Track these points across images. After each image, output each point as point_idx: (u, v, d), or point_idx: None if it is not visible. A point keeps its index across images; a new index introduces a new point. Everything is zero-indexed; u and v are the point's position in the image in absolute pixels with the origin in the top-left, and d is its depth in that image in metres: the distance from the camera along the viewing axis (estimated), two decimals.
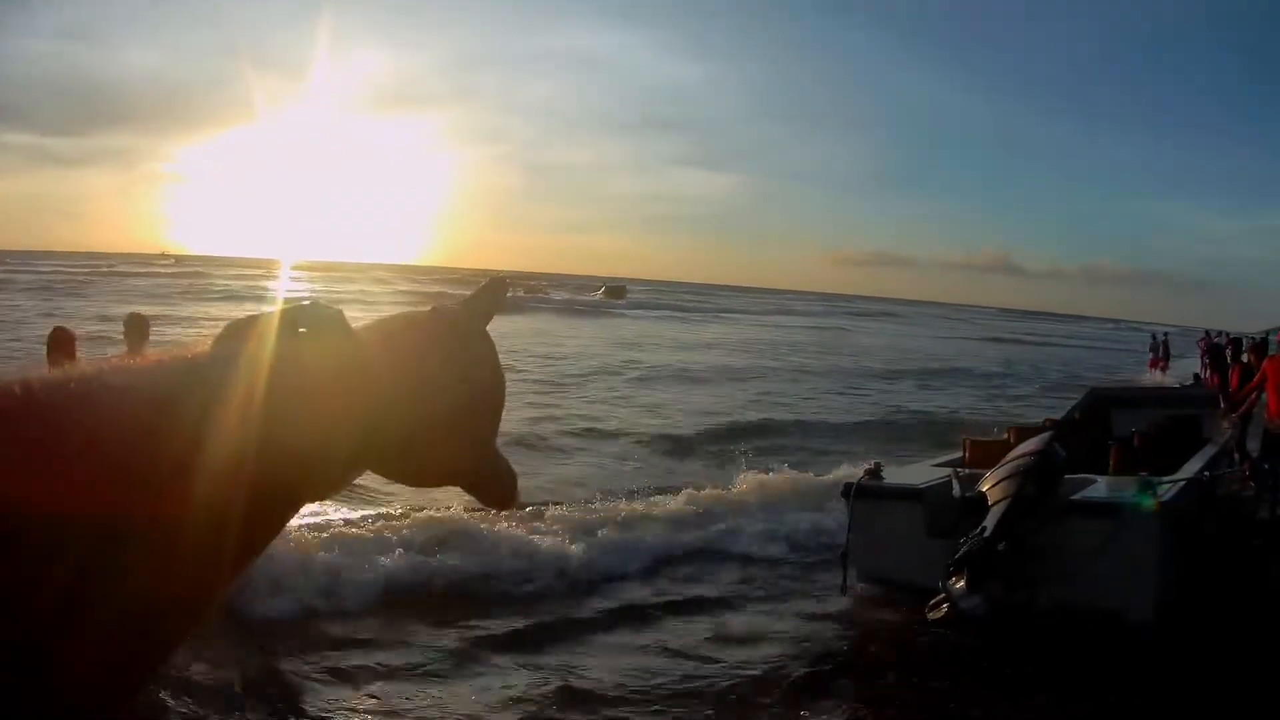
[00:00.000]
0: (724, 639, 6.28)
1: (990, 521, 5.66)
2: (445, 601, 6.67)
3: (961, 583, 5.22)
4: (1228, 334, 28.73)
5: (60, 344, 6.98)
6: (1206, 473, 7.15)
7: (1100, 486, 6.42)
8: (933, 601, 5.29)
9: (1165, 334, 32.12)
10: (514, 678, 5.50)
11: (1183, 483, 6.38)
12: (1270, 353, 11.03)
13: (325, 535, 7.19)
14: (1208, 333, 32.61)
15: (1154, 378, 28.78)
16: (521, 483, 0.69)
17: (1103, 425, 9.46)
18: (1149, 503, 5.75)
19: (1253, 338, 12.84)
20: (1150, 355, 31.71)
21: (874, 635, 6.31)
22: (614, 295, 68.55)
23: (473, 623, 6.32)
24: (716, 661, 5.88)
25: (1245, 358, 11.77)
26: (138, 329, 7.41)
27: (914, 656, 5.83)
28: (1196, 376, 24.89)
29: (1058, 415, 10.70)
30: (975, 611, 5.09)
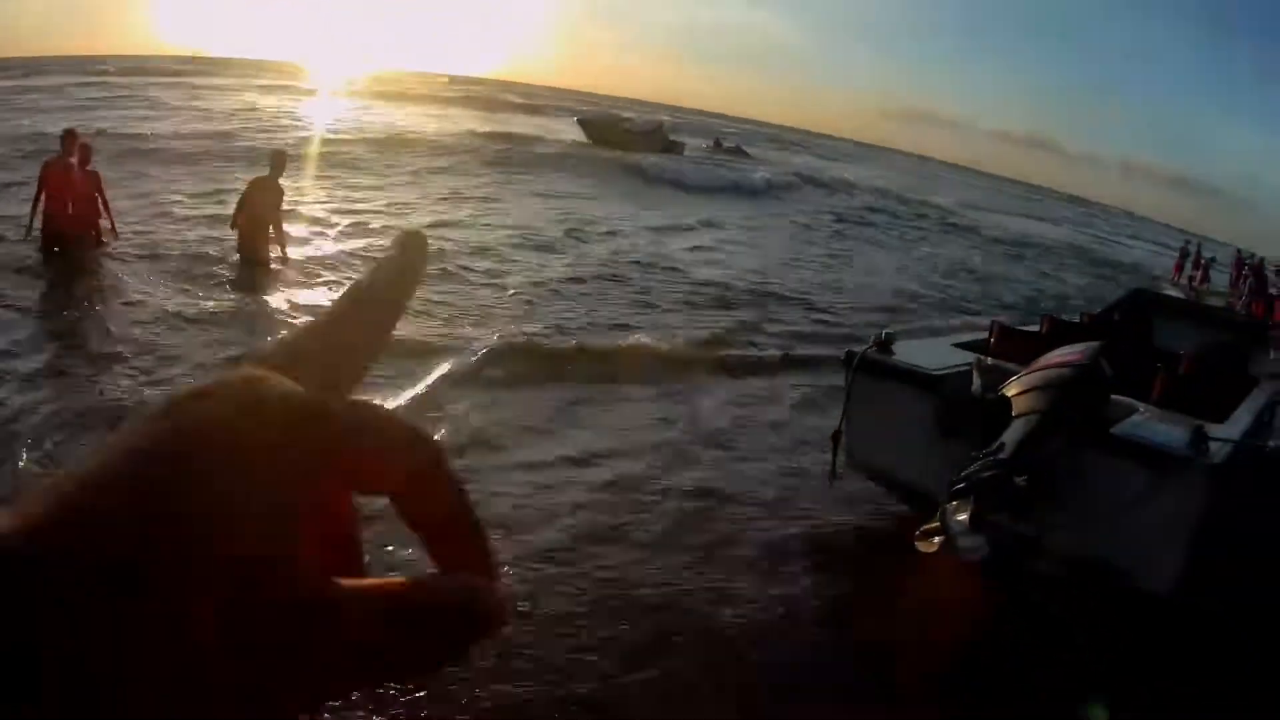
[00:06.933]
0: None
1: (1010, 439, 4.46)
2: None
3: (964, 515, 4.08)
4: (1261, 257, 27.25)
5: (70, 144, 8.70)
6: (1272, 443, 5.91)
7: (1147, 422, 5.12)
8: (923, 529, 4.15)
9: (1198, 245, 30.35)
10: None
11: (1234, 443, 5.14)
12: None
13: None
14: (1239, 251, 31.00)
15: (1184, 286, 27.41)
16: None
17: (1144, 333, 8.23)
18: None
19: None
20: (1177, 260, 30.18)
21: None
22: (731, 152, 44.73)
23: None
24: None
25: None
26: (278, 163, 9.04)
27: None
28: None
29: (1095, 310, 9.56)
30: (974, 554, 3.98)
